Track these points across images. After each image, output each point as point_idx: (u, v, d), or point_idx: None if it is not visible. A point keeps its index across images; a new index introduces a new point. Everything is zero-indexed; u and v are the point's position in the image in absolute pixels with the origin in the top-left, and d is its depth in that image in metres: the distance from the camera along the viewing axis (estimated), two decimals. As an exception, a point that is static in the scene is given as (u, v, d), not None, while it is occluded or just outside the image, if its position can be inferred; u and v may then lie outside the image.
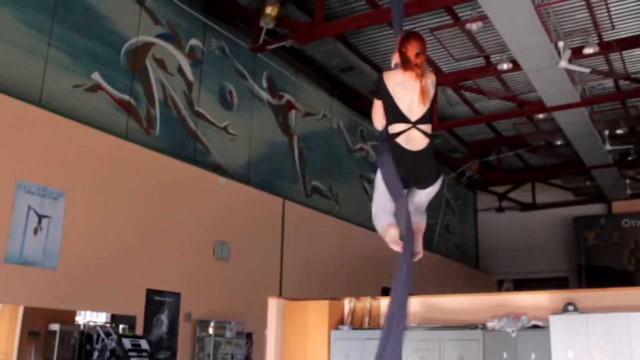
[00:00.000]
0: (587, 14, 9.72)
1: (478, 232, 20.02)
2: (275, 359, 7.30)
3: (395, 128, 3.76)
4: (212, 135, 9.54)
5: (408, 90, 3.74)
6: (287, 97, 11.45)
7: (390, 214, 3.91)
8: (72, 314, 6.84)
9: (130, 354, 6.75)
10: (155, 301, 7.72)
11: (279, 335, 7.38)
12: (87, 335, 6.81)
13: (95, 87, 7.76)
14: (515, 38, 9.10)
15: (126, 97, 8.16)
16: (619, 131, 13.93)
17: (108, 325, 7.07)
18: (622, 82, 12.44)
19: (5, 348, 6.18)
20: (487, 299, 7.03)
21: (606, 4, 9.39)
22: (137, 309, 7.50)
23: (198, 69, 9.44)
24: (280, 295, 9.35)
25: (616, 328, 5.79)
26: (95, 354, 6.77)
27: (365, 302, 7.46)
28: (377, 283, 11.47)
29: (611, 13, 9.66)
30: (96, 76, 7.77)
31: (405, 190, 3.82)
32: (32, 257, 6.31)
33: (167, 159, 8.22)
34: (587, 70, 10.36)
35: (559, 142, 14.72)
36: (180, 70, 9.13)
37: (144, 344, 7.05)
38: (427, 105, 3.76)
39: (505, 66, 10.70)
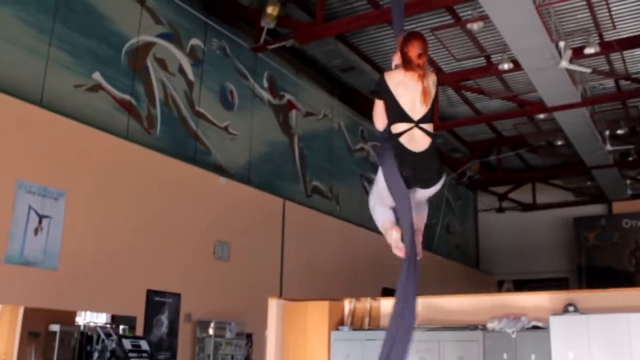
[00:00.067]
0: (588, 14, 9.71)
1: (478, 233, 20.02)
2: (275, 360, 7.30)
3: (397, 128, 3.76)
4: (212, 135, 9.54)
5: (410, 90, 3.74)
6: (287, 97, 11.45)
7: (389, 208, 3.91)
8: (73, 314, 6.83)
9: (131, 354, 6.75)
10: (156, 302, 7.72)
11: (279, 336, 7.37)
12: (87, 336, 6.80)
13: (96, 87, 7.76)
14: (516, 38, 9.10)
15: (127, 97, 8.16)
16: (619, 131, 13.92)
17: (108, 325, 7.07)
18: (623, 82, 12.43)
19: (6, 349, 6.18)
20: (487, 300, 7.03)
21: (607, 3, 9.38)
22: (138, 310, 7.50)
23: (199, 68, 9.43)
24: (280, 295, 9.35)
25: (616, 329, 5.79)
26: (96, 354, 6.76)
27: (366, 303, 7.45)
28: (377, 284, 11.48)
29: (612, 13, 9.65)
30: (97, 76, 7.77)
31: (408, 190, 3.82)
32: (32, 257, 6.30)
33: (167, 159, 8.21)
34: (588, 70, 10.36)
35: (559, 143, 14.71)
36: (181, 70, 9.12)
37: (144, 345, 7.04)
38: (429, 105, 3.77)
39: (506, 66, 10.69)
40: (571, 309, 6.19)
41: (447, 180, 3.91)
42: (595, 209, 18.35)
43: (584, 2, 9.40)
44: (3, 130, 6.23)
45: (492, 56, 11.24)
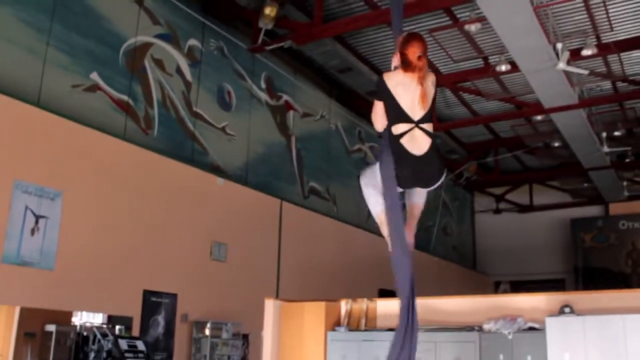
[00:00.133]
0: (586, 16, 9.73)
1: (475, 234, 20.03)
2: (272, 360, 7.30)
3: (398, 129, 3.76)
4: (210, 136, 9.53)
5: (409, 91, 3.75)
6: (285, 97, 11.45)
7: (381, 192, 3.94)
8: (69, 314, 6.82)
9: (127, 355, 6.74)
10: (152, 302, 7.71)
11: (276, 337, 7.38)
12: (84, 336, 6.79)
13: (94, 87, 7.75)
14: (513, 39, 9.11)
15: (124, 98, 8.15)
16: (616, 133, 13.93)
17: (104, 326, 7.05)
18: (620, 84, 12.45)
19: (1, 349, 6.17)
20: (484, 301, 7.04)
21: (605, 5, 9.41)
22: (134, 310, 7.49)
23: (196, 69, 9.43)
24: (277, 296, 9.36)
25: (612, 330, 5.81)
26: (92, 355, 6.75)
27: (362, 304, 7.46)
28: (374, 285, 11.48)
29: (610, 15, 9.68)
30: (95, 76, 7.76)
31: (400, 191, 3.84)
32: (29, 257, 6.29)
33: (165, 160, 8.21)
34: (586, 72, 10.37)
35: (556, 144, 14.72)
36: (178, 71, 9.12)
37: (141, 345, 7.04)
38: (428, 106, 3.79)
39: (503, 67, 10.70)
40: (567, 310, 6.21)
41: (444, 182, 3.91)
42: (592, 211, 18.38)
43: (582, 4, 9.42)
44: (0, 130, 6.23)
45: (490, 58, 11.25)
